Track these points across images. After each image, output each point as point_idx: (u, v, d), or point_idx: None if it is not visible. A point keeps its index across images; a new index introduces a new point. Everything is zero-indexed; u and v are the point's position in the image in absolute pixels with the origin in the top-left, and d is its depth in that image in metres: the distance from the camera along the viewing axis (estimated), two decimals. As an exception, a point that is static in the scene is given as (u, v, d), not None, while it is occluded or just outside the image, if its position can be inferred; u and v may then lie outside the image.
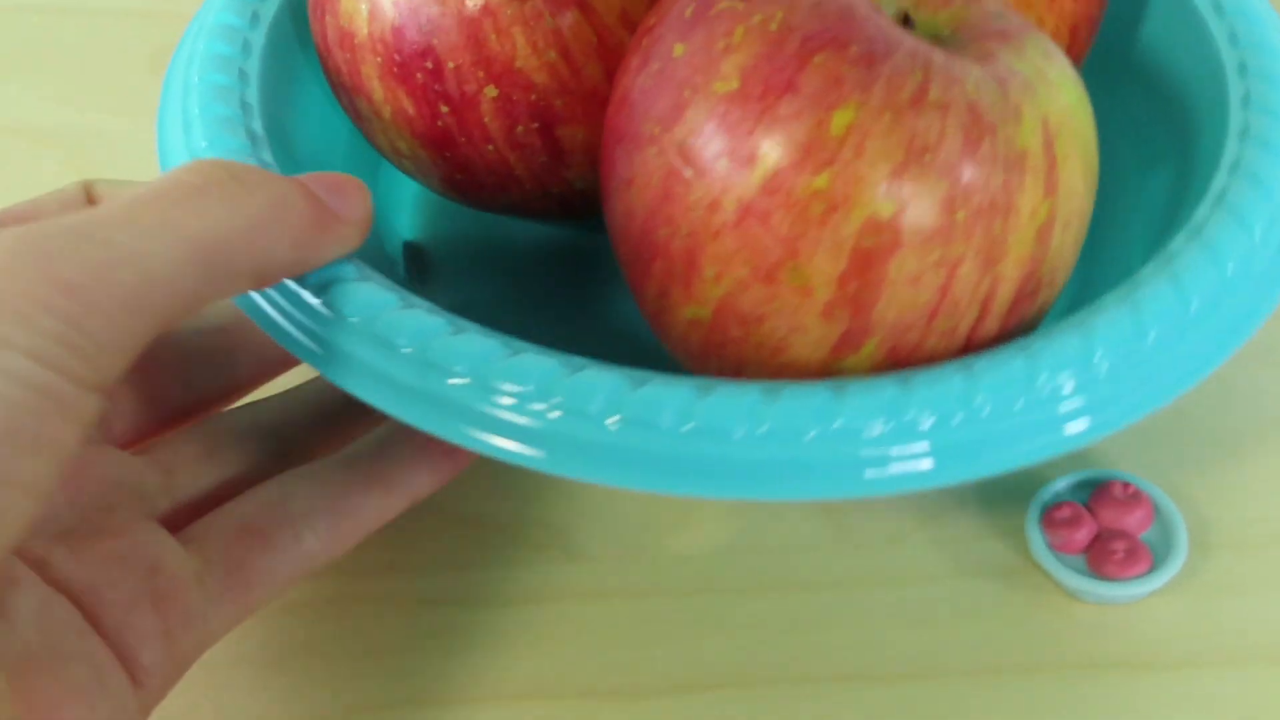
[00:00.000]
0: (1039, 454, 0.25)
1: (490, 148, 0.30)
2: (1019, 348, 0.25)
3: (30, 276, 0.20)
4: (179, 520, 0.27)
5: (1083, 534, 0.31)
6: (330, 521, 0.28)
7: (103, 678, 0.24)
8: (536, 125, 0.30)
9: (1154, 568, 0.30)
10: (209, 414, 0.30)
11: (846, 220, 0.24)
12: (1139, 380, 0.25)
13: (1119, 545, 0.31)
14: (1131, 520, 0.31)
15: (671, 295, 0.27)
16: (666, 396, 0.24)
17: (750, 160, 0.24)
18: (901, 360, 0.26)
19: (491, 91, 0.29)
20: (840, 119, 0.24)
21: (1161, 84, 0.34)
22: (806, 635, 0.31)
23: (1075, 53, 0.33)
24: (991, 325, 0.26)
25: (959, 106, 0.24)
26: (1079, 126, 0.26)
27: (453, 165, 0.31)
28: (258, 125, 0.30)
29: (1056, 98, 0.25)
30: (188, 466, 0.28)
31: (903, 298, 0.25)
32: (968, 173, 0.24)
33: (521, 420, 0.24)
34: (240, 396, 0.31)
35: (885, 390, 0.24)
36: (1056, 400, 0.25)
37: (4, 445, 0.19)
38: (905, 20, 0.26)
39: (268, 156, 0.29)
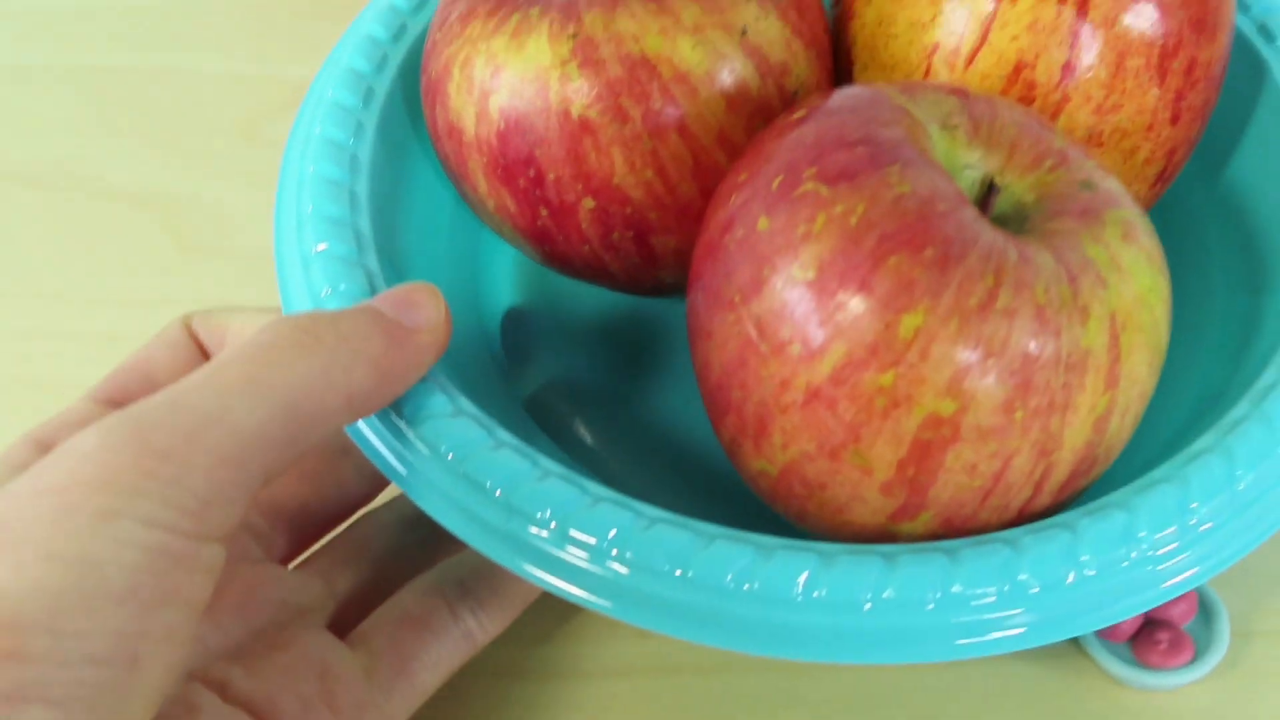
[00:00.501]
0: (1141, 607, 0.26)
1: (587, 248, 0.32)
2: (1117, 504, 0.26)
3: (131, 451, 0.22)
4: (347, 621, 0.30)
5: (1129, 623, 0.32)
6: (484, 600, 0.30)
7: None
8: (631, 234, 0.31)
9: (1197, 657, 0.32)
10: (357, 513, 0.33)
11: (908, 415, 0.25)
12: (1236, 526, 0.27)
13: (1163, 635, 0.32)
14: (1176, 611, 0.32)
15: (743, 446, 0.28)
16: (731, 556, 0.26)
17: (820, 351, 0.25)
18: (955, 529, 0.27)
19: (589, 203, 0.31)
20: (909, 322, 0.25)
21: (1245, 214, 0.34)
22: (868, 714, 0.32)
23: (1169, 173, 0.33)
24: (1044, 500, 0.27)
25: (1026, 312, 0.25)
26: (1149, 313, 0.26)
27: (551, 255, 0.33)
28: (365, 222, 0.32)
29: (1128, 287, 0.26)
30: (344, 570, 0.31)
31: (958, 482, 0.26)
32: (1028, 377, 0.25)
33: (594, 570, 0.26)
34: (380, 491, 0.33)
35: (933, 564, 0.26)
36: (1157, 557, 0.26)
37: (131, 605, 0.21)
38: (990, 188, 0.27)
39: (372, 263, 0.31)
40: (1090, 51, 0.30)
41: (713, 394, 0.28)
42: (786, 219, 0.26)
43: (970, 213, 0.26)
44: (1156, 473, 0.27)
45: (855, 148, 0.26)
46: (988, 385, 0.25)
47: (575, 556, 0.26)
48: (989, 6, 0.30)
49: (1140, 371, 0.26)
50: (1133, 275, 0.26)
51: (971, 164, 0.27)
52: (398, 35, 0.35)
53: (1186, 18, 0.31)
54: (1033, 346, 0.25)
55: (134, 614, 0.21)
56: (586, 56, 0.29)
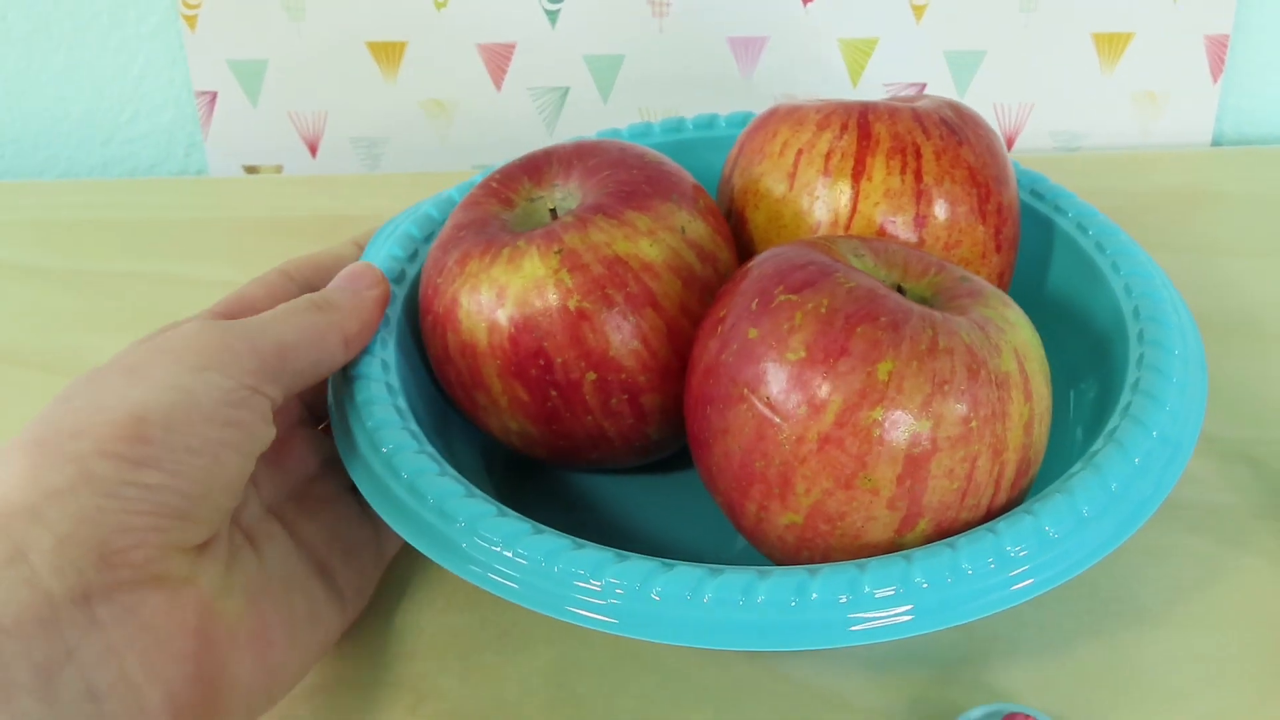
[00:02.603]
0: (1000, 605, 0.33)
1: (590, 418, 0.40)
2: (988, 529, 0.34)
3: (216, 336, 0.35)
4: None
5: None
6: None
7: (315, 607, 0.37)
8: (626, 397, 0.39)
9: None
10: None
11: (899, 437, 0.34)
12: (1074, 546, 0.34)
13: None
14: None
15: (770, 509, 0.36)
16: (692, 576, 0.33)
17: (824, 405, 0.34)
18: (944, 531, 0.35)
19: (591, 376, 0.39)
20: (884, 369, 0.34)
21: (1077, 320, 0.45)
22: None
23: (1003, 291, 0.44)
24: (1002, 497, 0.36)
25: (960, 349, 0.34)
26: (1036, 350, 0.36)
27: (557, 434, 0.40)
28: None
29: (1019, 333, 0.36)
30: None
31: (942, 486, 0.34)
32: (974, 394, 0.34)
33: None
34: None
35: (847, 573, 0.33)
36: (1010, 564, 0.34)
37: (216, 421, 0.33)
38: (899, 289, 0.37)
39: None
40: (931, 206, 0.41)
41: (735, 480, 0.36)
42: (771, 323, 0.35)
43: (899, 297, 0.35)
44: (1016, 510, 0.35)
45: (807, 267, 0.36)
46: (949, 404, 0.34)
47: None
48: (851, 189, 0.41)
49: (1043, 390, 0.36)
50: (1018, 326, 0.36)
51: (883, 279, 0.37)
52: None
53: (990, 175, 0.42)
54: (971, 372, 0.34)
55: (217, 426, 0.33)
56: (574, 263, 0.38)
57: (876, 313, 0.34)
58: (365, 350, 0.40)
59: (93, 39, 0.69)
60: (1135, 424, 0.37)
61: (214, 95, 0.69)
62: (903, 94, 0.47)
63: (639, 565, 0.33)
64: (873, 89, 0.68)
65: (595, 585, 0.33)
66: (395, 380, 0.40)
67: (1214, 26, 0.66)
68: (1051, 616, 0.40)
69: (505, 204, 0.42)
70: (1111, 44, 0.67)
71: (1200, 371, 0.41)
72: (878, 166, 0.41)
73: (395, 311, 0.43)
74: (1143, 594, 0.41)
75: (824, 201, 0.41)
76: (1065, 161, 0.67)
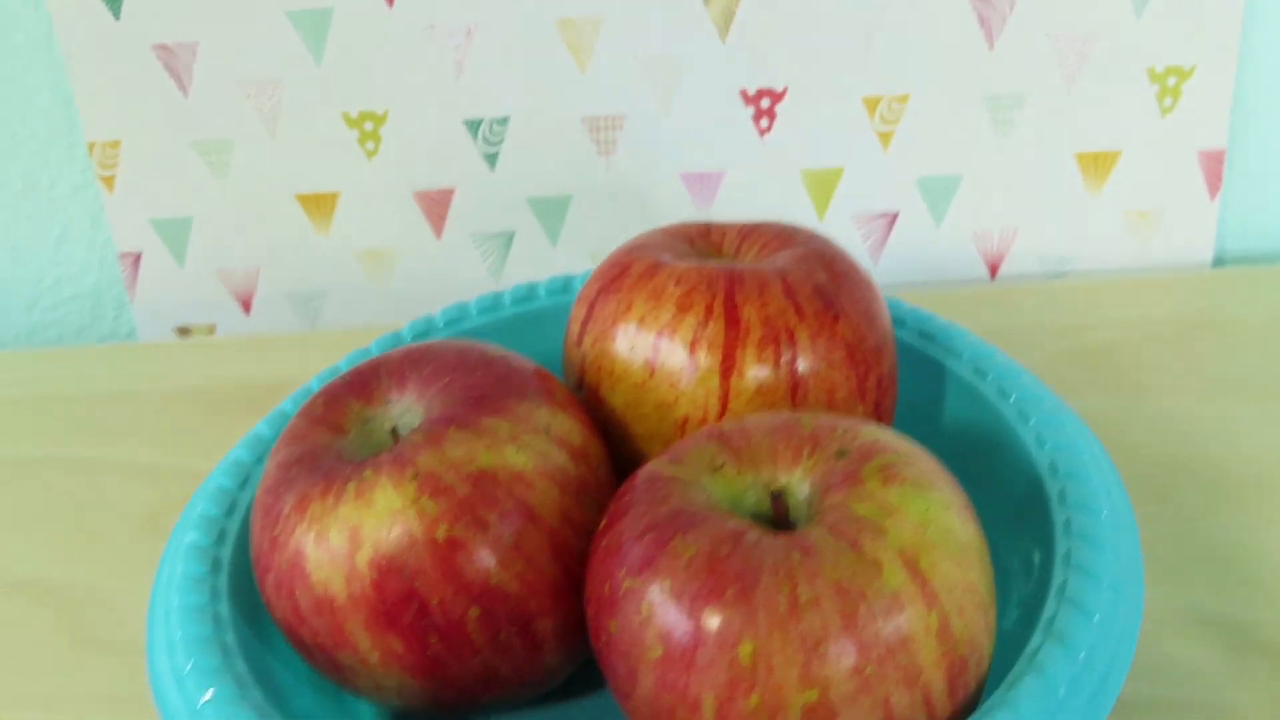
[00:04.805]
0: None
1: (478, 659, 0.34)
2: None
3: None
4: None
5: None
6: None
7: None
8: (516, 628, 0.34)
9: None
10: None
11: (788, 717, 0.29)
12: None
13: None
14: None
15: None
16: None
17: (697, 705, 0.29)
18: None
19: (475, 611, 0.33)
20: (745, 651, 0.29)
21: (986, 482, 0.39)
22: None
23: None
24: (943, 709, 0.30)
25: (828, 594, 0.29)
26: (935, 528, 0.31)
27: (441, 684, 0.35)
28: (241, 666, 0.34)
29: (905, 521, 0.30)
30: None
31: None
32: (858, 640, 0.29)
33: None
34: None
35: None
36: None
37: None
38: (775, 496, 0.32)
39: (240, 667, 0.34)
40: (807, 397, 0.37)
41: None
42: (623, 619, 0.31)
43: (753, 536, 0.30)
44: None
45: (644, 537, 0.31)
46: (832, 664, 0.28)
47: None
48: (720, 388, 0.37)
49: (953, 575, 0.30)
50: (904, 510, 0.31)
51: (750, 485, 0.33)
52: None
53: (869, 347, 0.38)
54: (847, 618, 0.29)
55: None
56: (434, 487, 0.33)
57: (721, 584, 0.29)
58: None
59: (6, 204, 0.65)
60: (1076, 610, 0.32)
61: (138, 256, 0.65)
62: (763, 227, 0.42)
63: None
64: (842, 221, 0.63)
65: None
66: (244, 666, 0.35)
67: (1208, 141, 0.61)
68: None
69: (335, 430, 0.37)
70: (1097, 163, 0.62)
71: (1131, 532, 0.36)
72: (749, 360, 0.36)
73: (222, 583, 0.37)
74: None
75: (689, 397, 0.37)
76: (1053, 290, 0.62)
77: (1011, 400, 0.41)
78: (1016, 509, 0.38)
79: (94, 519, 0.52)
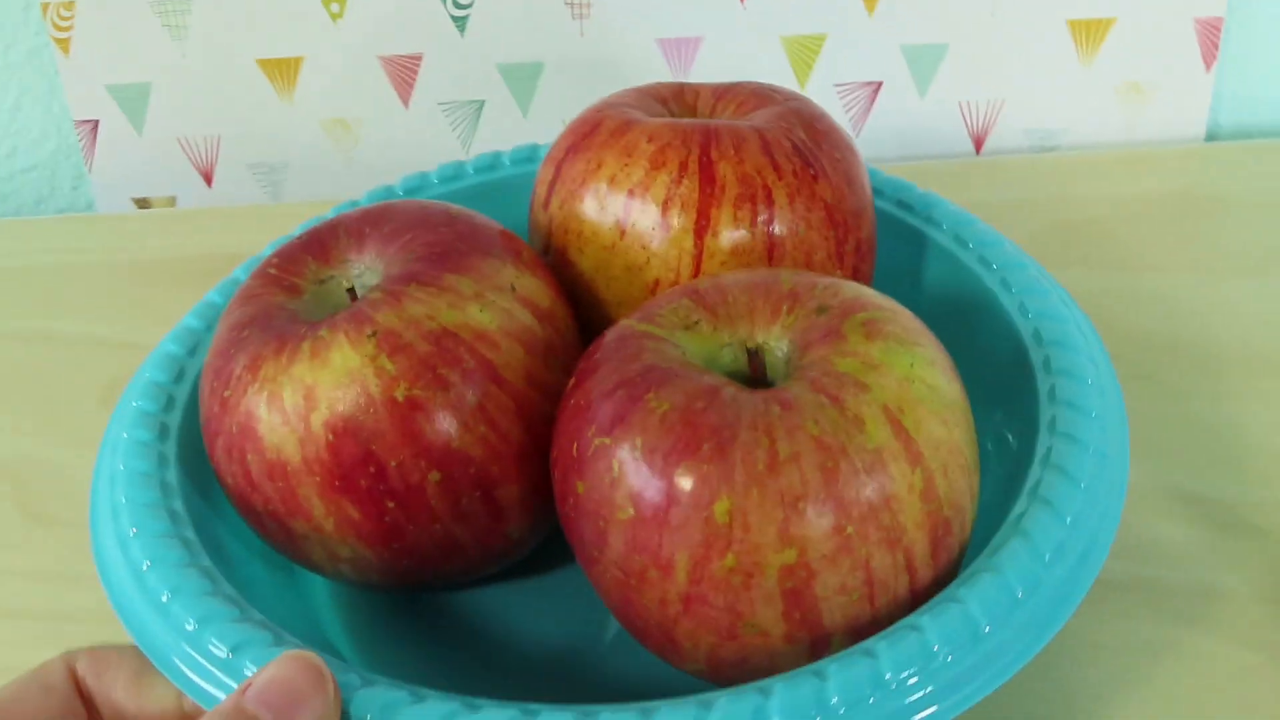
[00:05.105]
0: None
1: (438, 526, 0.33)
2: (864, 650, 0.27)
3: None
4: None
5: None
6: None
7: None
8: (479, 494, 0.33)
9: None
10: None
11: (764, 578, 0.27)
12: (976, 668, 0.28)
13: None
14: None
15: (670, 658, 0.30)
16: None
17: (670, 566, 0.28)
18: (865, 635, 0.28)
19: (435, 476, 0.32)
20: (721, 509, 0.27)
21: (968, 351, 0.37)
22: None
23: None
24: (925, 574, 0.29)
25: (808, 450, 0.27)
26: (919, 384, 0.29)
27: (399, 554, 0.33)
28: (189, 534, 0.33)
29: (889, 377, 0.29)
30: None
31: (839, 602, 0.28)
32: (838, 497, 0.27)
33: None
34: None
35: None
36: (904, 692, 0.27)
37: None
38: (752, 353, 0.30)
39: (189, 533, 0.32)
40: (785, 260, 0.35)
41: (631, 629, 0.31)
42: (593, 477, 0.29)
43: (729, 392, 0.29)
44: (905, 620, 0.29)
45: (615, 393, 0.29)
46: (811, 523, 0.27)
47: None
48: (693, 249, 0.35)
49: (938, 433, 0.29)
50: (888, 365, 0.29)
51: (726, 343, 0.31)
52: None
53: (848, 209, 0.36)
54: (828, 474, 0.27)
55: None
56: (393, 345, 0.31)
57: (697, 439, 0.28)
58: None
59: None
60: (1061, 476, 0.31)
61: (95, 124, 0.62)
62: (739, 87, 0.40)
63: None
64: (823, 91, 0.61)
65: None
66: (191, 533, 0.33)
67: (1205, 8, 0.59)
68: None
69: (290, 291, 0.35)
70: (1090, 31, 0.59)
71: (1117, 400, 0.35)
72: (724, 219, 0.35)
73: (170, 450, 0.36)
74: (1119, 707, 0.34)
75: (661, 259, 0.35)
76: (1040, 164, 0.60)
77: (994, 269, 0.40)
78: (1000, 378, 0.37)
79: (50, 392, 0.51)
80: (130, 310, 0.55)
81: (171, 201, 0.65)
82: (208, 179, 0.64)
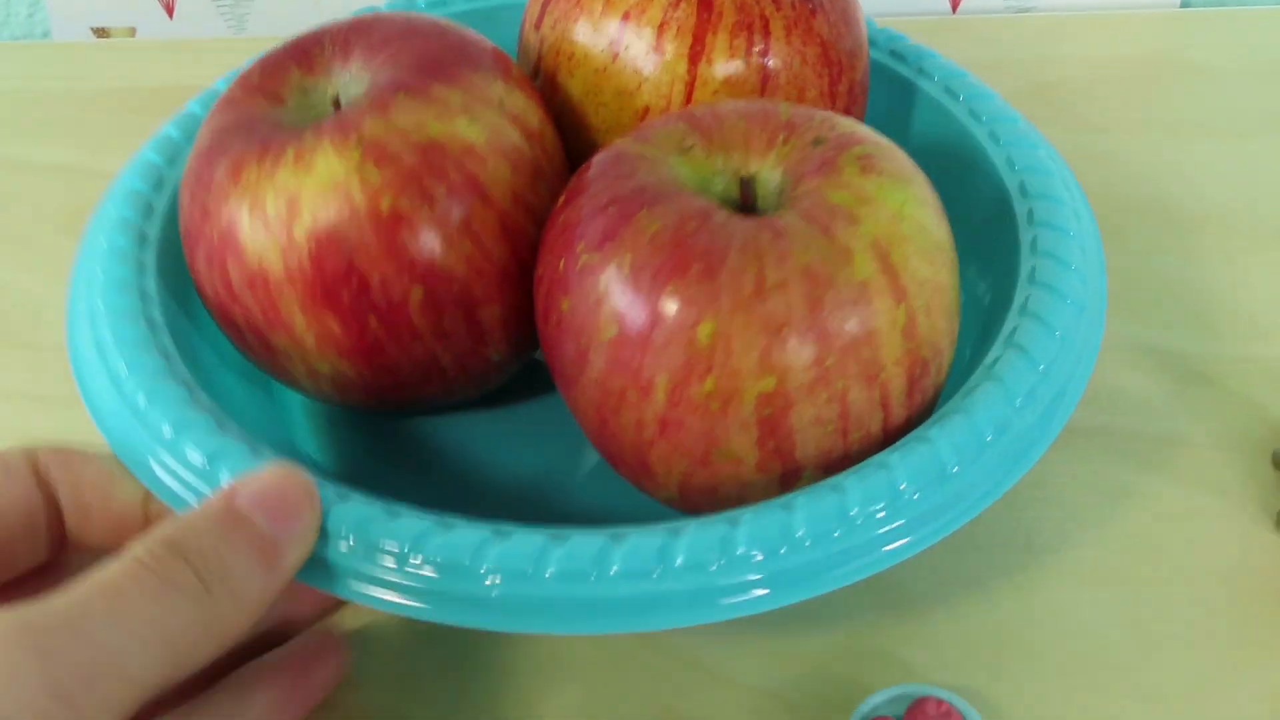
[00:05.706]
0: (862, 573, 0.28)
1: (419, 344, 0.33)
2: (832, 486, 0.28)
3: (33, 681, 0.23)
4: None
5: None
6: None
7: None
8: (461, 312, 0.32)
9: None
10: None
11: (742, 404, 0.28)
12: (941, 507, 0.28)
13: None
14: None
15: (644, 485, 0.31)
16: (527, 546, 0.27)
17: (649, 387, 0.28)
18: (836, 470, 0.29)
19: (418, 292, 0.31)
20: (704, 331, 0.27)
21: (954, 201, 0.37)
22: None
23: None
24: (899, 413, 0.29)
25: (796, 278, 0.27)
26: (909, 222, 0.29)
27: (379, 371, 0.33)
28: (167, 342, 0.33)
29: (881, 212, 0.29)
30: None
31: (814, 434, 0.28)
32: (822, 328, 0.27)
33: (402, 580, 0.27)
34: None
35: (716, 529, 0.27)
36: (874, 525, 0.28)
37: None
38: (744, 183, 0.30)
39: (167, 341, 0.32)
40: (778, 95, 0.35)
41: (602, 450, 0.31)
42: (579, 293, 0.29)
43: (721, 216, 0.29)
44: (874, 458, 0.29)
45: (606, 210, 0.29)
46: (792, 352, 0.27)
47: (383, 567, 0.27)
48: (686, 75, 0.34)
49: (924, 272, 0.29)
50: (880, 200, 0.29)
51: (719, 170, 0.31)
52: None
53: (844, 50, 0.36)
54: (813, 303, 0.27)
55: None
56: (379, 155, 0.31)
57: (687, 260, 0.28)
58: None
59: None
60: (1038, 324, 0.32)
61: (51, -56, 0.60)
62: None
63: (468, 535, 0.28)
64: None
65: (412, 560, 0.27)
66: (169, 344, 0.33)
67: None
68: (975, 570, 0.35)
69: (273, 99, 0.34)
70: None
71: (1098, 255, 0.35)
72: (719, 47, 0.34)
73: (149, 258, 0.35)
74: (1078, 543, 0.35)
75: (653, 84, 0.35)
76: (1016, 24, 0.59)
77: (983, 121, 0.39)
78: (984, 228, 0.37)
79: (9, 218, 0.50)
80: (91, 138, 0.54)
81: (131, 32, 0.63)
82: (169, 11, 0.62)
